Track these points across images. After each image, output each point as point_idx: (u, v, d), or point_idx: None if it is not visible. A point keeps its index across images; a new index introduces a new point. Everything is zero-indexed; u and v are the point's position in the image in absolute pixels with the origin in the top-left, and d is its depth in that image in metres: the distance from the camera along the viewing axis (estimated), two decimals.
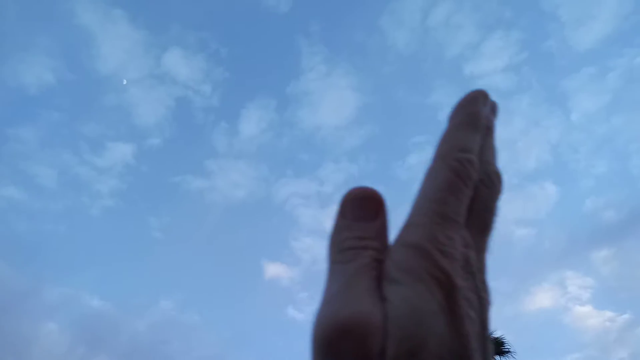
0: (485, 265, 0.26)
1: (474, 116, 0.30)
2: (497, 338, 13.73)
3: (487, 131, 0.31)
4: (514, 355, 13.70)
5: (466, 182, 0.27)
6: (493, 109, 0.32)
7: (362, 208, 0.27)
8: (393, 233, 0.27)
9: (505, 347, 13.69)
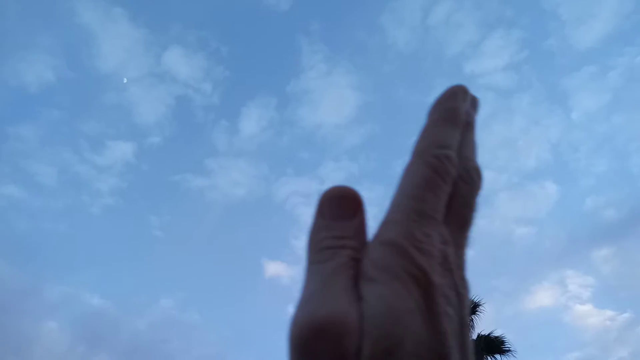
0: (465, 261, 0.26)
1: (453, 112, 0.30)
2: (497, 337, 13.76)
3: (467, 127, 0.31)
4: (514, 354, 13.74)
5: (444, 178, 0.27)
6: (474, 104, 0.32)
7: (340, 207, 0.26)
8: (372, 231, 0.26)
9: (506, 346, 13.72)
